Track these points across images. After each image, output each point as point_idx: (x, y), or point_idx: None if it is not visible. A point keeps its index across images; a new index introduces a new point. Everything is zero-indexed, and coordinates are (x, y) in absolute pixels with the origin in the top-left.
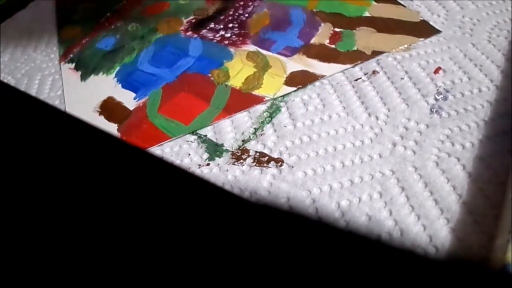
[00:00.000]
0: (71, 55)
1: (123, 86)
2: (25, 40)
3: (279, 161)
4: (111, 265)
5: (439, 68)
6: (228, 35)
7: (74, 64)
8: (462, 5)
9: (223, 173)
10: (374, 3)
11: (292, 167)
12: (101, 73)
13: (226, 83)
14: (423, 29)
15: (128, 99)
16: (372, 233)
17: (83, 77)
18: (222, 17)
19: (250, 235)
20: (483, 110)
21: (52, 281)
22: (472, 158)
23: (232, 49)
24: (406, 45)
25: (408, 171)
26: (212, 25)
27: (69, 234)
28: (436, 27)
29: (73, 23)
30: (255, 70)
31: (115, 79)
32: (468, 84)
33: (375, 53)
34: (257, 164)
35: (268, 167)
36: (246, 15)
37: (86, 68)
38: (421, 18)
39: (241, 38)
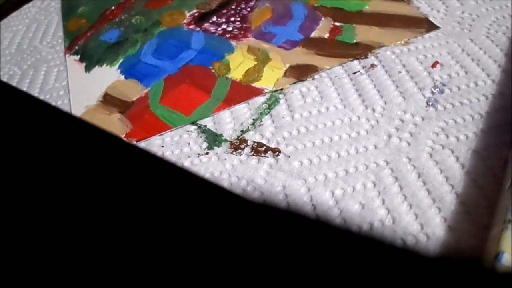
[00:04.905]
0: (76, 47)
1: (126, 77)
2: (31, 32)
3: (276, 151)
4: (108, 263)
5: (437, 62)
6: (230, 28)
7: (79, 56)
8: (461, 1)
9: (221, 162)
10: None
11: (289, 157)
12: (105, 64)
13: (227, 75)
14: (423, 24)
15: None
16: (365, 221)
17: (88, 69)
18: (224, 11)
19: (244, 224)
20: (478, 104)
21: (52, 281)
22: (466, 151)
23: (233, 42)
24: (404, 40)
25: (402, 162)
26: (214, 19)
27: (65, 232)
28: (435, 22)
29: (78, 16)
30: (255, 63)
31: (119, 70)
32: (465, 78)
33: (374, 47)
34: (254, 154)
35: (265, 156)
36: (248, 9)
37: (90, 60)
38: (421, 14)
39: (242, 32)
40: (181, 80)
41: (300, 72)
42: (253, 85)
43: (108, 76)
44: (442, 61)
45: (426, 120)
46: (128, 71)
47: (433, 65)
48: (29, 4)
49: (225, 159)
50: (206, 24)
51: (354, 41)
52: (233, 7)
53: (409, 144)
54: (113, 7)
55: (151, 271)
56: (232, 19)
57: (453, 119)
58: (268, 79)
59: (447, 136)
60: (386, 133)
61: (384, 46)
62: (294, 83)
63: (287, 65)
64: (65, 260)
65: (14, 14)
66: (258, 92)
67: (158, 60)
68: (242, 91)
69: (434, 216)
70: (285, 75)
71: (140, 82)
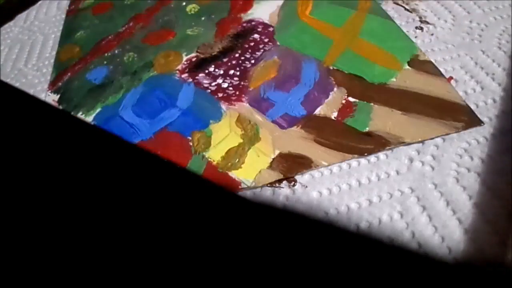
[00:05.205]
0: (60, 84)
1: None
2: (14, 54)
3: (291, 181)
4: (108, 263)
5: (451, 77)
6: (225, 85)
7: (58, 96)
8: (468, 9)
9: None
10: (406, 67)
11: (306, 186)
12: (80, 112)
13: (204, 153)
14: (461, 116)
15: None
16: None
17: None
18: (225, 59)
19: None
20: (498, 120)
21: (52, 281)
22: (492, 172)
23: (223, 106)
24: (431, 137)
25: (427, 188)
26: (211, 68)
27: (66, 231)
28: (443, 33)
29: (74, 42)
30: (241, 141)
31: (92, 123)
32: (481, 94)
33: (390, 143)
34: (268, 184)
35: (280, 187)
36: (253, 61)
37: (68, 104)
38: (461, 99)
39: (237, 93)
40: (153, 151)
41: (289, 166)
42: (230, 173)
43: None
44: (456, 76)
45: (448, 141)
46: (102, 126)
47: (448, 81)
48: (11, 23)
49: (238, 193)
50: (201, 75)
51: (367, 129)
52: (237, 55)
53: (432, 168)
54: (110, 36)
55: (153, 272)
56: (231, 72)
57: (475, 138)
58: (250, 169)
59: (472, 158)
60: (407, 156)
61: (403, 142)
62: (278, 180)
63: (277, 152)
64: (65, 260)
65: None
66: (234, 185)
67: (137, 116)
68: (215, 181)
69: (468, 248)
70: (270, 166)
71: None
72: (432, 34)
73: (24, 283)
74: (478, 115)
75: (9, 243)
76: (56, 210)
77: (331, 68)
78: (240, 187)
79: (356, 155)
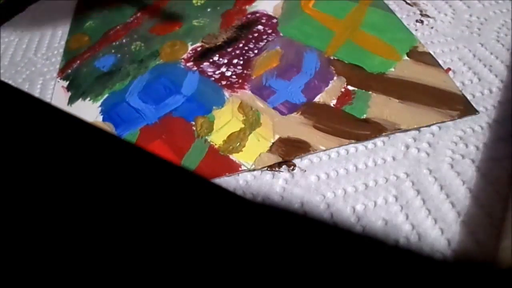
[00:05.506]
0: (69, 71)
1: (104, 119)
2: (24, 43)
3: (291, 165)
4: (110, 264)
5: (449, 69)
6: (229, 73)
7: (67, 83)
8: (468, 4)
9: (234, 178)
10: (405, 58)
11: (305, 171)
12: (88, 98)
13: (207, 137)
14: (457, 104)
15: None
16: (390, 238)
17: (71, 101)
18: (229, 49)
19: (265, 241)
20: (495, 111)
21: (52, 281)
22: (486, 160)
23: (226, 93)
24: (427, 124)
25: (422, 173)
26: (216, 57)
27: (66, 233)
28: (443, 26)
29: (83, 31)
30: (243, 126)
31: (100, 108)
32: (479, 85)
33: (386, 130)
34: (268, 168)
35: (280, 171)
36: (256, 51)
37: (77, 90)
38: (458, 89)
39: (240, 81)
40: (157, 135)
41: (288, 150)
42: (231, 156)
43: (88, 114)
44: (454, 67)
45: (443, 129)
46: (108, 112)
47: (446, 72)
48: (21, 14)
49: (238, 175)
50: (205, 64)
51: (364, 116)
52: (241, 45)
53: (428, 154)
54: (118, 26)
55: (158, 273)
56: (235, 61)
57: (470, 127)
58: (250, 152)
59: (466, 145)
60: (403, 143)
61: (400, 129)
62: (279, 163)
63: (277, 137)
64: (65, 260)
65: (5, 24)
66: (234, 168)
67: (142, 102)
68: (216, 164)
69: (461, 230)
70: (270, 150)
71: (115, 128)
72: (432, 27)
73: (19, 283)
74: (474, 105)
75: (8, 243)
76: (50, 208)
77: (332, 58)
78: (240, 169)
79: (353, 141)
